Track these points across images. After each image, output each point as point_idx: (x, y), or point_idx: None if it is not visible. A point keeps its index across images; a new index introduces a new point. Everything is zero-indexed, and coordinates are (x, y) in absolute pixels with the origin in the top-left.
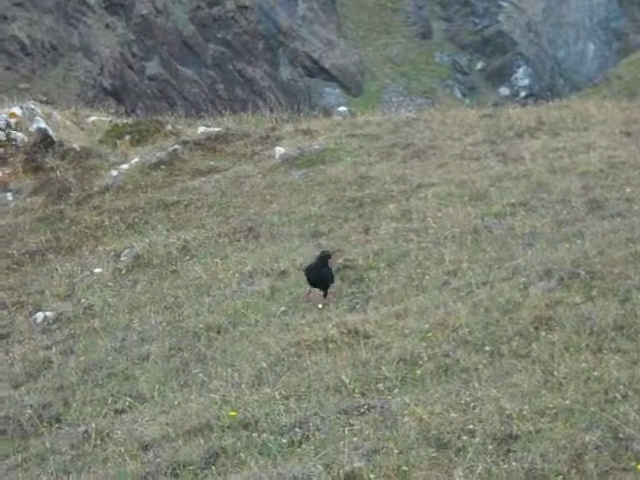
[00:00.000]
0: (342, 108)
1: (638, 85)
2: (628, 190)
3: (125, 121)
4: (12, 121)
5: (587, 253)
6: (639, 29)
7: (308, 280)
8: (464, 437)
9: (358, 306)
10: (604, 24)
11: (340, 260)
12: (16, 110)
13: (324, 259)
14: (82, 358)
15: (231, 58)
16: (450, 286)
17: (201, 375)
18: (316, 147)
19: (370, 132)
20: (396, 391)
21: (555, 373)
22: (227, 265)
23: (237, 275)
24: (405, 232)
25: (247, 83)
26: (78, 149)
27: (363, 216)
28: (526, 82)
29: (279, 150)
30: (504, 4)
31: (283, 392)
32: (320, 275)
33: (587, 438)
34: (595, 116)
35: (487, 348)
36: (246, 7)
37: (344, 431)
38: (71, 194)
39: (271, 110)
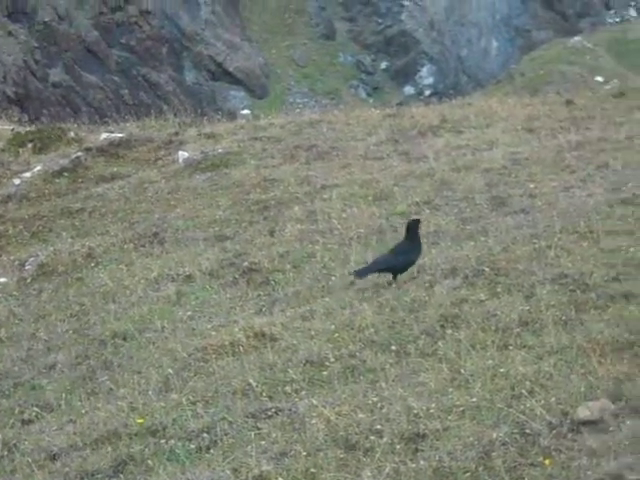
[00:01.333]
0: (245, 111)
1: (540, 81)
2: (531, 186)
3: (28, 129)
4: None
5: (491, 250)
6: (541, 25)
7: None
8: (372, 437)
9: (264, 309)
10: (506, 21)
11: (245, 263)
12: None
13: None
14: None
15: (135, 63)
16: (356, 287)
17: (108, 383)
18: (219, 151)
19: (273, 134)
20: (303, 393)
21: (462, 371)
22: (133, 271)
23: (143, 281)
24: (310, 234)
25: (152, 88)
26: None
27: (268, 219)
28: (430, 81)
29: (182, 154)
30: (406, 3)
31: (190, 397)
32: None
33: (494, 435)
34: (498, 113)
35: (393, 347)
36: (149, 12)
37: (252, 435)
38: None
39: (175, 114)
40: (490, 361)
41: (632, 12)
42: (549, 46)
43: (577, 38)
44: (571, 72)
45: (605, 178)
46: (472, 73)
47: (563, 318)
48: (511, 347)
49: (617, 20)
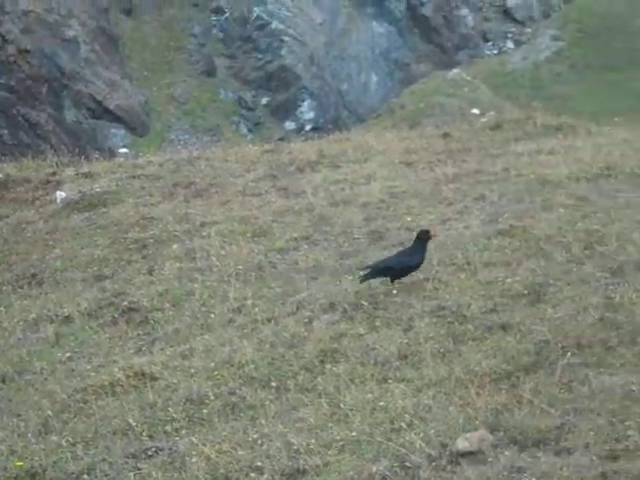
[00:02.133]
0: (123, 149)
1: (421, 114)
2: (408, 219)
3: None
4: None
5: (370, 284)
6: (420, 59)
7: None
8: (252, 474)
9: (144, 348)
10: (385, 55)
11: (125, 302)
12: None
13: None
14: None
15: (14, 103)
16: (235, 323)
17: None
18: (97, 190)
19: (152, 172)
20: (184, 432)
21: (341, 405)
22: (11, 313)
23: (21, 323)
24: (189, 272)
25: (31, 127)
26: None
27: (147, 257)
28: (311, 115)
29: (60, 194)
30: (286, 38)
31: (70, 439)
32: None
33: (374, 468)
34: (375, 147)
35: (273, 384)
36: (28, 51)
37: (132, 476)
38: None
39: (55, 154)
40: (369, 395)
41: (509, 44)
42: (428, 79)
43: (456, 70)
44: (450, 105)
45: (482, 210)
46: (353, 107)
47: (441, 350)
48: (390, 380)
49: (495, 52)
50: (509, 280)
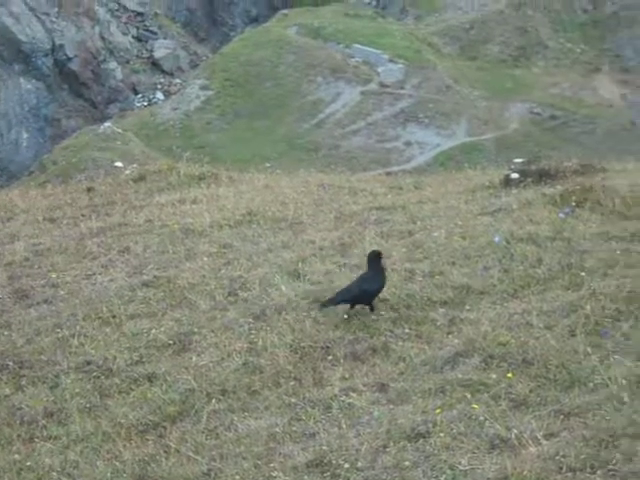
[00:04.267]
0: None
1: (74, 169)
2: (54, 276)
3: None
4: None
5: (15, 343)
6: (70, 114)
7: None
8: None
9: None
10: (35, 111)
11: None
12: None
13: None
14: None
15: None
16: None
17: None
18: None
19: None
20: None
21: None
22: None
23: None
24: None
25: None
26: None
27: None
28: None
29: None
30: None
31: None
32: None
33: None
34: (19, 205)
35: None
36: None
37: None
38: None
39: None
40: (16, 455)
41: (159, 95)
42: (80, 134)
43: (107, 124)
44: (102, 159)
45: (126, 262)
46: (4, 166)
47: (88, 405)
48: (37, 439)
49: (145, 104)
50: (154, 331)
